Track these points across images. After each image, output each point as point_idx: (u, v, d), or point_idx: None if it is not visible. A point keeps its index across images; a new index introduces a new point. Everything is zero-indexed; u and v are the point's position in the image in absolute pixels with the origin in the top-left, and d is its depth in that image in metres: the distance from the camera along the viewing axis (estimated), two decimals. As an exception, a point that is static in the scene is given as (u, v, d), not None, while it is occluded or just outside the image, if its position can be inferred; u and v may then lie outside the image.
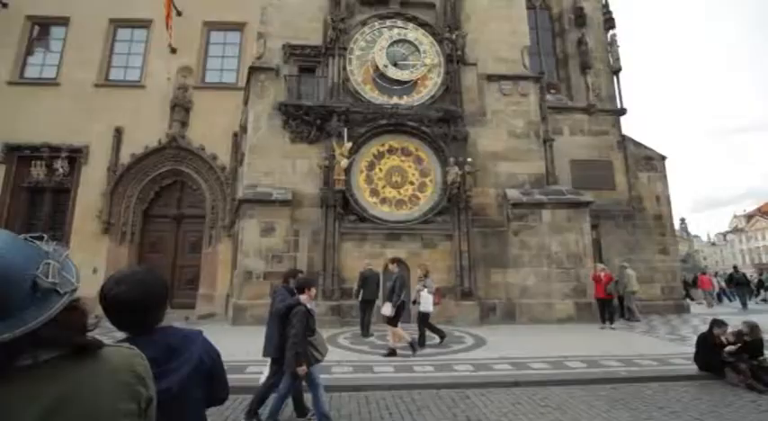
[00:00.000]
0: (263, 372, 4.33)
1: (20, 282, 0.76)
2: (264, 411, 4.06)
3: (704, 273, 18.54)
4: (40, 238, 0.86)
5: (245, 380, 5.08)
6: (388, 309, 7.00)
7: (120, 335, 1.24)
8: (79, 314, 0.86)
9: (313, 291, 4.16)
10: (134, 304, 1.20)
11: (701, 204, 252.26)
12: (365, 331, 8.34)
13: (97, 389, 0.81)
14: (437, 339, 7.61)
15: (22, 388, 0.75)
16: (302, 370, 3.74)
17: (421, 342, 7.32)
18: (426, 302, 7.44)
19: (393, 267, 8.40)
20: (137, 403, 0.86)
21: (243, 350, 6.68)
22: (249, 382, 5.08)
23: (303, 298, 4.01)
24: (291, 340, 3.77)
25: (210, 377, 1.32)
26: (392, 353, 6.71)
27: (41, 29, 14.34)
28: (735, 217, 75.11)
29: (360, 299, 8.65)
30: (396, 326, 7.02)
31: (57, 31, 14.22)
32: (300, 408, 4.19)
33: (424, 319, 7.55)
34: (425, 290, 7.52)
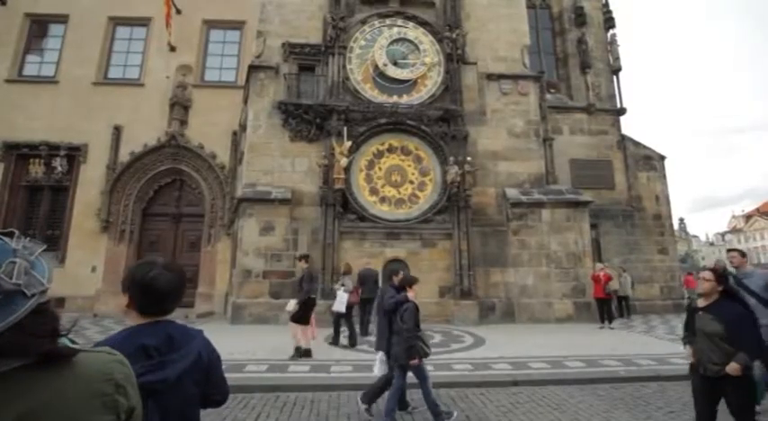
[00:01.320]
0: (375, 364, 4.51)
1: None
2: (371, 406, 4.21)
3: (690, 274, 18.56)
4: (10, 235, 0.78)
5: (244, 380, 5.08)
6: (291, 306, 6.59)
7: (92, 334, 1.21)
8: (49, 318, 0.78)
9: (416, 288, 4.35)
10: (176, 290, 1.32)
11: (700, 204, 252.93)
12: (364, 329, 8.33)
13: (69, 401, 0.74)
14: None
15: None
16: (415, 362, 3.95)
17: (335, 341, 7.36)
18: (340, 301, 7.27)
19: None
20: (115, 414, 0.80)
21: (242, 349, 6.69)
22: (249, 381, 5.09)
23: (410, 295, 4.22)
24: (405, 334, 3.96)
25: (207, 375, 1.33)
26: (306, 353, 6.31)
27: (40, 27, 14.30)
28: (733, 217, 75.26)
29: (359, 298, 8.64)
30: (307, 323, 6.51)
31: (55, 29, 14.18)
32: (402, 401, 4.36)
33: (337, 319, 7.45)
34: (342, 288, 7.46)
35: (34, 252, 0.78)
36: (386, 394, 4.12)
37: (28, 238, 0.80)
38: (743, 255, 4.65)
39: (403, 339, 3.97)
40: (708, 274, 3.03)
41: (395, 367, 4.10)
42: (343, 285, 7.54)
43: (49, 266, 0.79)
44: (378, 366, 4.44)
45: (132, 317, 1.30)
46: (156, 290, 1.27)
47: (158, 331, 1.26)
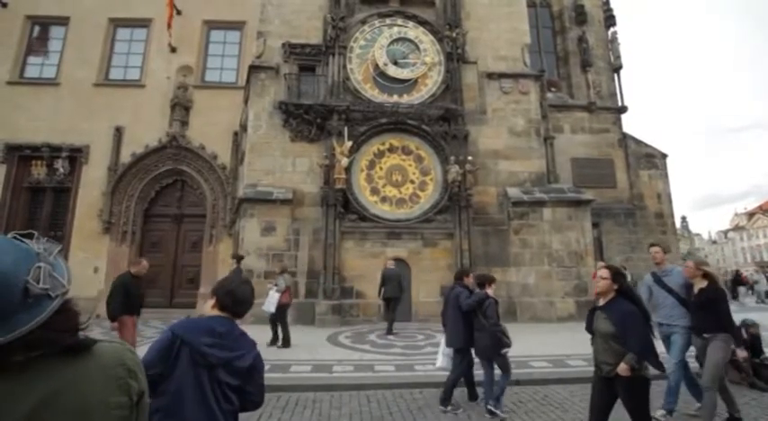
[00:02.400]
0: (438, 357, 4.85)
1: (10, 287, 0.75)
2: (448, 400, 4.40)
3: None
4: (30, 236, 0.84)
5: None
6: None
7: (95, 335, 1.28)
8: (71, 315, 0.86)
9: (494, 285, 4.58)
10: (248, 299, 1.90)
11: (703, 202, 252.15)
12: (389, 328, 8.32)
13: (88, 383, 0.83)
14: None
15: (13, 385, 0.76)
16: (505, 351, 4.29)
17: (273, 341, 7.29)
18: (270, 302, 7.18)
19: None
20: (128, 396, 0.88)
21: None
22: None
23: (489, 291, 4.48)
24: (492, 328, 4.25)
25: (250, 374, 1.71)
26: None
27: (41, 28, 14.34)
28: (736, 215, 74.99)
29: (382, 297, 8.71)
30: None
31: (56, 31, 14.22)
32: (472, 392, 4.65)
33: (271, 319, 7.38)
34: (275, 288, 7.34)
35: (53, 252, 0.84)
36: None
37: (45, 239, 0.86)
38: (665, 251, 4.63)
39: (488, 333, 4.25)
40: (604, 272, 2.97)
41: (482, 361, 4.42)
42: (276, 285, 7.41)
43: (66, 267, 0.87)
44: (441, 359, 4.76)
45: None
46: (235, 295, 1.83)
47: (227, 324, 1.77)
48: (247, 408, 1.75)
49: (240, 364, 1.67)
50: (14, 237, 0.83)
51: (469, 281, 4.86)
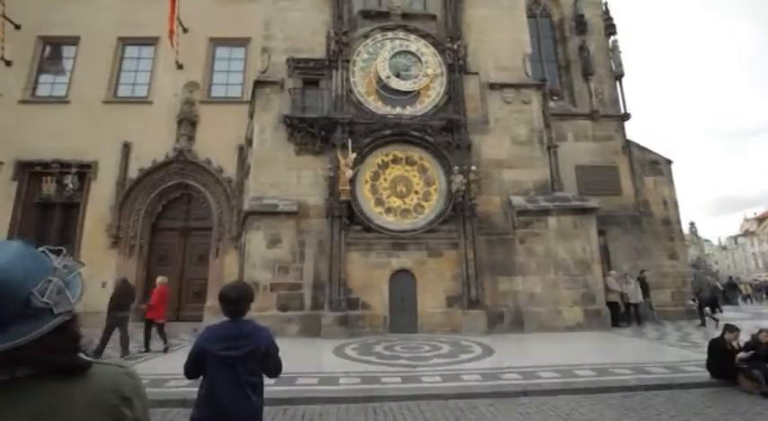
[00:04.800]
0: None
1: (13, 297, 0.74)
2: None
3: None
4: (59, 252, 0.84)
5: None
6: None
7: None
8: (72, 336, 0.82)
9: None
10: (239, 298, 2.31)
11: (720, 208, 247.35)
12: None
13: (74, 409, 0.77)
14: None
15: None
16: None
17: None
18: None
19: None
20: None
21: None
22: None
23: None
24: None
25: (267, 356, 2.26)
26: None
27: (53, 48, 14.71)
28: (746, 220, 74.01)
29: None
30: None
31: (67, 51, 14.58)
32: None
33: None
34: None
35: (73, 271, 0.83)
36: None
37: (70, 257, 0.85)
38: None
39: None
40: None
41: None
42: None
43: (81, 287, 0.84)
44: None
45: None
46: (222, 300, 2.31)
47: (233, 326, 2.26)
48: (270, 376, 2.34)
49: (257, 354, 2.21)
50: (43, 251, 0.82)
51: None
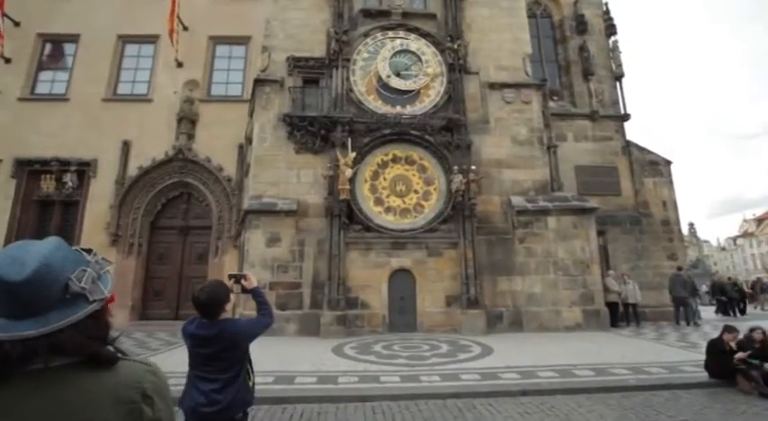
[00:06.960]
0: None
1: (54, 282, 0.79)
2: None
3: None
4: (89, 251, 0.92)
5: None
6: None
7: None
8: (103, 324, 0.87)
9: None
10: (207, 304, 2.29)
11: (720, 209, 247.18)
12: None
13: (93, 402, 0.78)
14: None
15: (18, 391, 0.75)
16: None
17: None
18: None
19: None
20: None
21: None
22: (256, 393, 5.08)
23: None
24: None
25: (239, 341, 2.36)
26: None
27: (53, 46, 14.68)
28: (745, 221, 74.13)
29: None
30: None
31: (67, 48, 14.56)
32: None
33: None
34: None
35: (104, 267, 0.91)
36: None
37: (101, 257, 0.93)
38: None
39: None
40: None
41: None
42: None
43: (112, 282, 0.91)
44: None
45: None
46: (197, 302, 2.30)
47: (206, 327, 2.30)
48: (267, 323, 2.60)
49: (228, 350, 2.30)
50: (75, 249, 0.90)
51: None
